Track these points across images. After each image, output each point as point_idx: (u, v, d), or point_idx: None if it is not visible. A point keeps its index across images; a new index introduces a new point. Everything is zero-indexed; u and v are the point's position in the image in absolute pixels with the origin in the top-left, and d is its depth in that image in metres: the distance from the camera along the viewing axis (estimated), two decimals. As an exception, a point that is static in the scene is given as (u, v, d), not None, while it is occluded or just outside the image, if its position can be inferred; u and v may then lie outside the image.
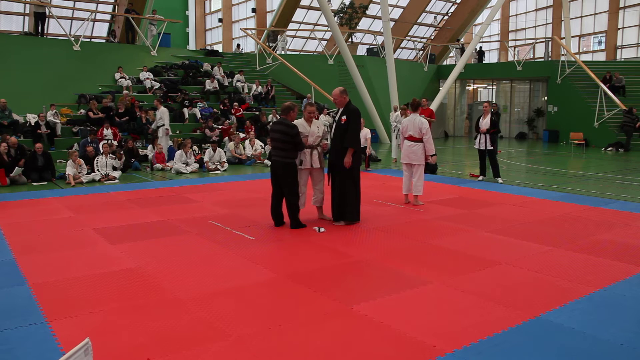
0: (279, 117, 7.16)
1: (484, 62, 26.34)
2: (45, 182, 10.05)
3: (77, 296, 4.04)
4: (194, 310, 3.76)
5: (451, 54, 30.02)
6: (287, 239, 5.84)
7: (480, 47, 26.91)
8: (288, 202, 6.23)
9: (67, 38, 17.31)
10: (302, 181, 6.49)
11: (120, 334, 3.37)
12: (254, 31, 24.34)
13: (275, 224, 6.34)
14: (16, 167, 9.89)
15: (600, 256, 5.08)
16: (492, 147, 10.04)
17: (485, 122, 10.04)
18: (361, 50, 26.91)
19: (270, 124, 16.28)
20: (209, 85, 17.67)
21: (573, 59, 21.15)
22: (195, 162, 11.96)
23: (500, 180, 10.03)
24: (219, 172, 11.74)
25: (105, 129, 13.02)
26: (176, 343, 3.24)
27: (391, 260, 4.96)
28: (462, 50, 25.70)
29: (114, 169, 10.77)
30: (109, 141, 12.19)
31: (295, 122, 6.34)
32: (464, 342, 3.25)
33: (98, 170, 10.46)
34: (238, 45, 25.22)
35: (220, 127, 15.23)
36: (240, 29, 26.02)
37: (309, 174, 6.57)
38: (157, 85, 17.05)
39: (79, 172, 10.20)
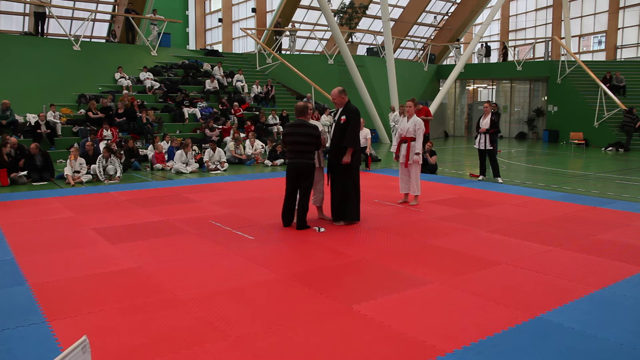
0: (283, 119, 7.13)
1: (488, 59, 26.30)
2: (45, 182, 10.05)
3: (77, 296, 4.04)
4: (194, 310, 3.76)
5: (451, 54, 30.02)
6: (287, 238, 5.84)
7: (486, 43, 26.90)
8: (301, 204, 6.22)
9: (67, 38, 17.30)
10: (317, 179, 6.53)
11: (120, 334, 3.37)
12: (254, 31, 24.33)
13: (284, 225, 6.33)
14: (20, 172, 9.88)
15: (600, 256, 5.08)
16: (491, 147, 10.05)
17: (485, 122, 10.05)
18: (361, 50, 26.90)
19: (272, 124, 16.42)
20: (209, 85, 17.67)
21: (573, 59, 21.15)
22: (195, 162, 11.95)
23: (500, 180, 10.04)
24: (219, 172, 11.74)
25: (105, 129, 13.02)
26: (176, 343, 3.24)
27: (391, 260, 4.96)
28: (488, 49, 25.72)
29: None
30: (108, 142, 12.17)
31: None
32: (464, 342, 3.25)
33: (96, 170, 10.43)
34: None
35: (220, 127, 15.24)
36: (241, 28, 26.01)
37: None
38: (157, 85, 17.05)
39: (78, 172, 10.19)
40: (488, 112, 10.06)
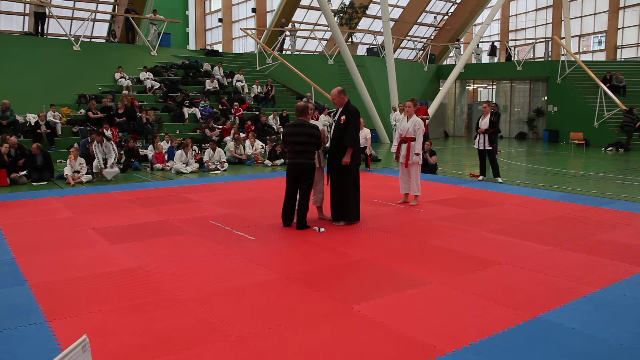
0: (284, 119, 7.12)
1: (486, 59, 26.31)
2: (45, 182, 10.05)
3: (77, 296, 4.04)
4: (194, 310, 3.76)
5: (451, 54, 30.02)
6: (287, 239, 5.84)
7: (493, 42, 27.01)
8: (302, 203, 6.21)
9: (67, 38, 17.30)
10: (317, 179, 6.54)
11: (120, 334, 3.37)
12: (254, 31, 24.34)
13: (284, 225, 6.33)
14: (20, 172, 9.87)
15: (601, 256, 5.08)
16: (490, 147, 10.04)
17: (484, 122, 10.06)
18: (361, 50, 26.89)
19: (275, 125, 16.40)
20: (209, 85, 17.67)
21: (573, 59, 21.15)
22: (195, 162, 11.95)
23: (499, 180, 10.03)
24: (219, 172, 11.74)
25: (105, 129, 13.01)
26: (176, 343, 3.24)
27: (391, 260, 4.96)
28: (494, 48, 25.86)
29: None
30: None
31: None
32: (464, 342, 3.25)
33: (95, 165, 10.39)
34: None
35: (220, 127, 15.24)
36: (241, 28, 26.02)
37: None
38: (157, 85, 17.05)
39: (78, 172, 10.19)
40: (487, 113, 10.06)
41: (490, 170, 10.31)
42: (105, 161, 10.37)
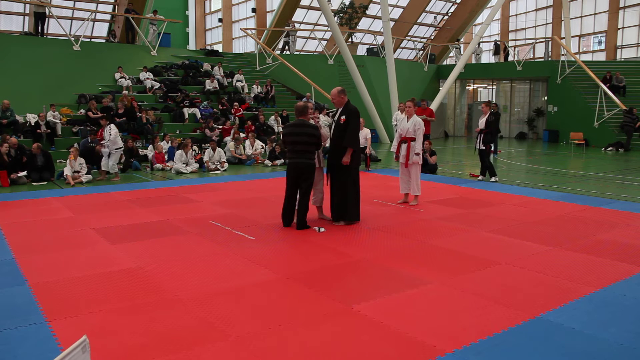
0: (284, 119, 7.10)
1: (486, 59, 26.29)
2: (45, 182, 10.05)
3: (77, 296, 4.04)
4: (194, 310, 3.76)
5: (451, 54, 30.02)
6: (287, 239, 5.84)
7: (496, 42, 27.02)
8: (302, 203, 6.21)
9: (67, 38, 17.30)
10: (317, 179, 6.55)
11: (120, 334, 3.37)
12: (254, 31, 24.33)
13: (284, 225, 6.33)
14: (20, 172, 9.87)
15: (601, 256, 5.08)
16: (484, 147, 10.02)
17: (481, 122, 10.06)
18: (361, 50, 26.89)
19: (275, 125, 16.39)
20: (209, 85, 17.67)
21: (573, 59, 21.15)
22: (195, 162, 11.95)
23: (492, 179, 10.00)
24: (219, 172, 11.74)
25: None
26: (176, 343, 3.24)
27: (391, 260, 4.96)
28: (497, 47, 25.90)
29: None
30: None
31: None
32: (464, 342, 3.25)
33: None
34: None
35: (220, 127, 15.24)
36: (241, 28, 26.01)
37: None
38: (157, 85, 17.05)
39: (78, 172, 10.19)
40: (486, 113, 10.06)
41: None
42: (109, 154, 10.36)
